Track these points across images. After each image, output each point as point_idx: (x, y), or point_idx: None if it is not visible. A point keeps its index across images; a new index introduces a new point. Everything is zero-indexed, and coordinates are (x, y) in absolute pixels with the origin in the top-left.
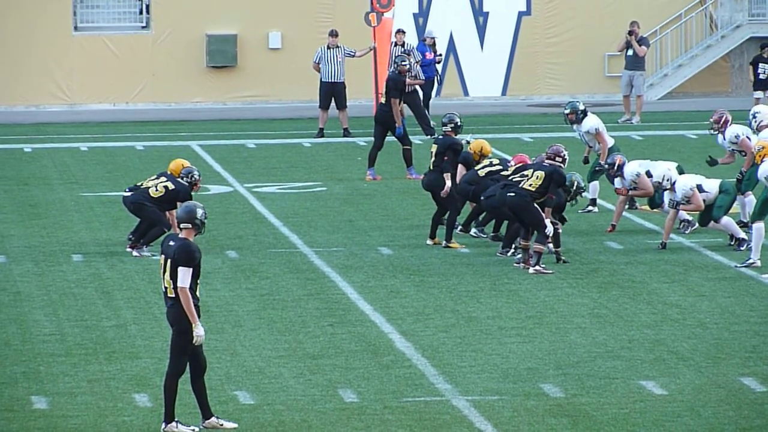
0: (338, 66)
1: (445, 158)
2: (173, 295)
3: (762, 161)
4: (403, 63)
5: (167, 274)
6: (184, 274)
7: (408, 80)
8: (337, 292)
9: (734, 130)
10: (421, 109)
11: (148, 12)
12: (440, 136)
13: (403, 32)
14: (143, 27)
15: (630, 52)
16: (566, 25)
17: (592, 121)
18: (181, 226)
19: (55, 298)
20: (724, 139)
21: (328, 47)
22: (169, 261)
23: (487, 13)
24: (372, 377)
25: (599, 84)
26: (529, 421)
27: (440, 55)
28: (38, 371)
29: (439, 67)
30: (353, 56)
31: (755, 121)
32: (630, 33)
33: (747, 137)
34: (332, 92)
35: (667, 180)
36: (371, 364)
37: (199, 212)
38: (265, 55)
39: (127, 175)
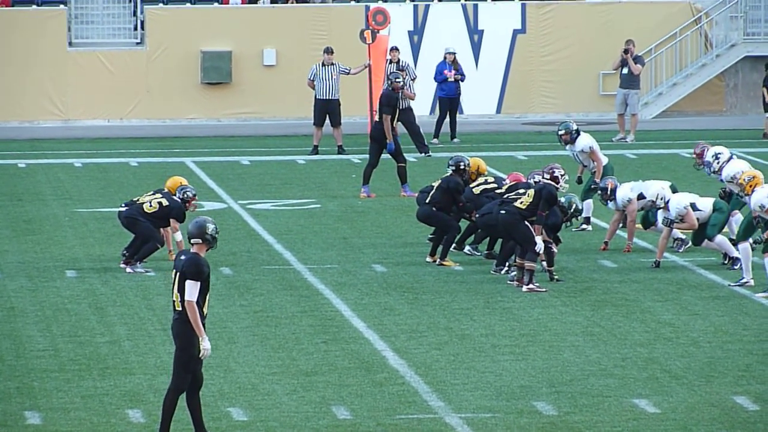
0: (333, 83)
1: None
2: (180, 309)
3: (753, 191)
4: (396, 80)
5: (176, 287)
6: (192, 288)
7: (405, 92)
8: (330, 310)
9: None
10: (416, 127)
11: (142, 28)
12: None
13: (398, 50)
14: (138, 43)
15: (625, 71)
16: (561, 43)
17: (585, 140)
18: (192, 241)
19: (49, 314)
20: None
21: (323, 64)
22: (178, 274)
23: (482, 30)
24: (365, 394)
25: (594, 102)
26: None
27: (459, 75)
28: (32, 387)
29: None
30: (348, 73)
31: (717, 162)
32: (625, 51)
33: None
34: (327, 109)
35: (661, 199)
36: (364, 381)
37: (210, 227)
38: (259, 72)
39: (121, 191)
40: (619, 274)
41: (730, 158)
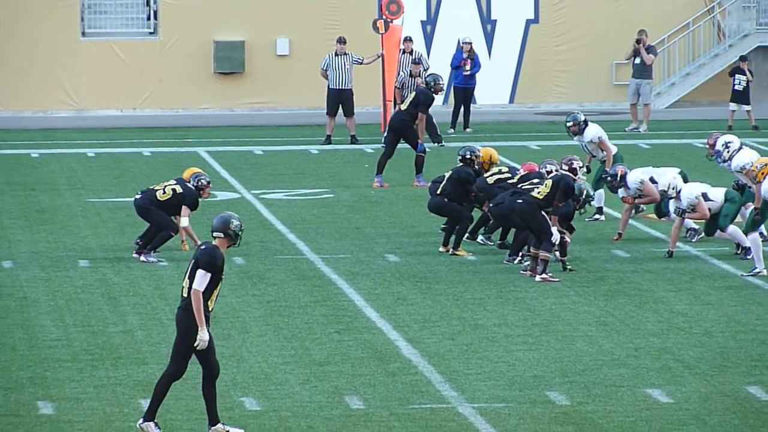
0: (346, 73)
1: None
2: (186, 296)
3: (765, 178)
4: (439, 82)
5: (188, 274)
6: (202, 278)
7: (419, 83)
8: (343, 299)
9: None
10: (430, 117)
11: (155, 18)
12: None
13: (411, 40)
14: (151, 33)
15: (637, 61)
16: (574, 33)
17: (594, 130)
18: (214, 234)
19: (62, 304)
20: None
21: (336, 54)
22: (193, 262)
23: (495, 20)
24: (378, 384)
25: (606, 92)
26: (534, 429)
27: (467, 69)
28: (44, 376)
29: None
30: (361, 63)
31: (727, 151)
32: (638, 41)
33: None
34: (340, 99)
35: (673, 188)
36: (377, 371)
37: (234, 223)
38: (272, 62)
39: (134, 180)
40: (632, 264)
41: (740, 148)
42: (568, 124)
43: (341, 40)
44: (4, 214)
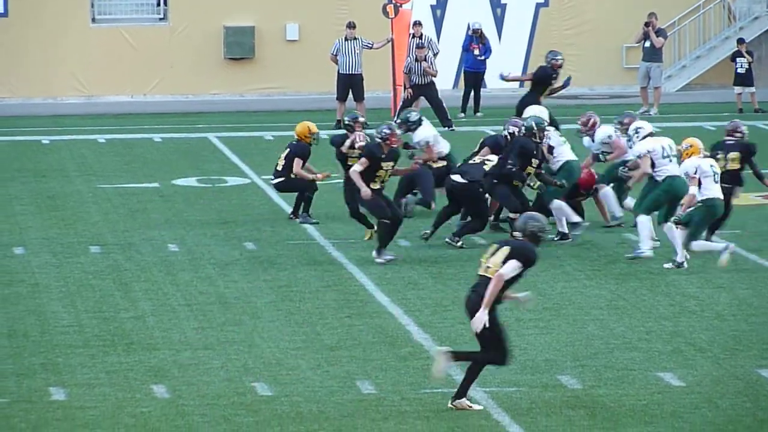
0: (356, 58)
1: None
2: (486, 275)
3: (688, 158)
4: (556, 58)
5: (495, 256)
6: (513, 267)
7: (427, 68)
8: (354, 284)
9: (605, 130)
10: (439, 101)
11: (165, 4)
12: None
13: (421, 24)
14: (161, 19)
15: (647, 44)
16: (584, 16)
17: (423, 132)
18: (514, 234)
19: (73, 290)
20: (593, 141)
21: (346, 39)
22: (504, 248)
23: (505, 4)
24: (390, 369)
25: (617, 75)
26: (546, 413)
27: (483, 55)
28: (56, 362)
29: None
30: (371, 48)
31: (637, 136)
32: (647, 24)
33: (619, 137)
34: (350, 84)
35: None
36: (389, 355)
37: (531, 225)
38: (282, 47)
39: (145, 166)
40: None
41: (650, 134)
42: (398, 122)
43: (351, 25)
44: (15, 201)
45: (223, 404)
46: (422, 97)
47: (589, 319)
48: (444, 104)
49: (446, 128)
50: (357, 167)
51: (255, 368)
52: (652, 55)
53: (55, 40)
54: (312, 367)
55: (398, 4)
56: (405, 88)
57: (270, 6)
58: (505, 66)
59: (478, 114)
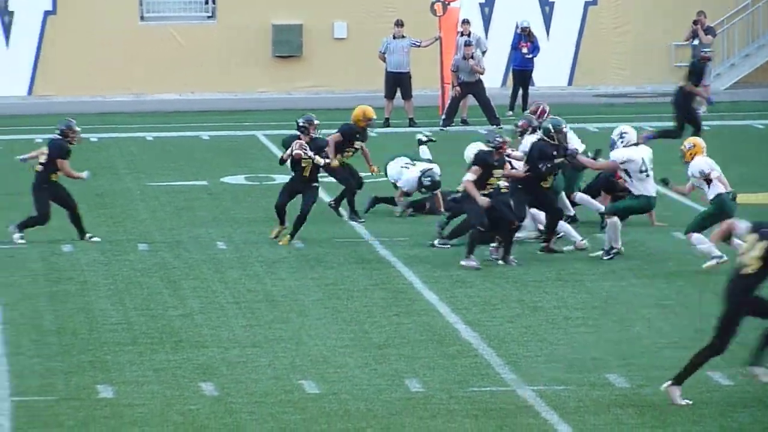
0: (404, 56)
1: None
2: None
3: (693, 159)
4: (705, 50)
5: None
6: None
7: (473, 66)
8: (402, 282)
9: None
10: (486, 99)
11: (214, 2)
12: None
13: (469, 22)
14: (209, 17)
15: (696, 42)
16: (632, 14)
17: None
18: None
19: (122, 287)
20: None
21: (394, 37)
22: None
23: (553, 2)
24: (437, 367)
25: (666, 74)
26: (594, 411)
27: (531, 54)
28: (105, 360)
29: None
30: (419, 46)
31: (621, 142)
32: (696, 22)
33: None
34: (398, 82)
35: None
36: (437, 353)
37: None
38: (330, 45)
39: (193, 165)
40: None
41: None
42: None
43: (399, 23)
44: None
45: (271, 402)
46: (470, 95)
47: (637, 318)
48: (491, 102)
49: (493, 126)
50: (470, 176)
51: (302, 366)
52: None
53: (104, 37)
54: (360, 365)
55: (447, 3)
56: (453, 86)
57: (318, 4)
58: (554, 64)
59: (526, 112)
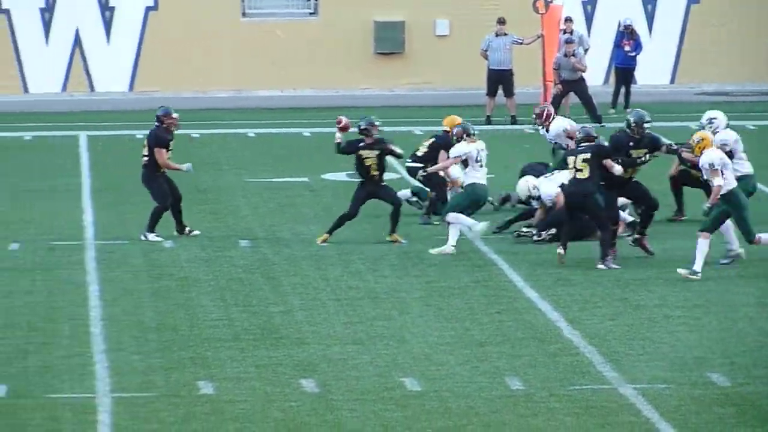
0: (506, 53)
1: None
2: None
3: (702, 152)
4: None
5: None
6: None
7: (575, 64)
8: (503, 280)
9: (560, 124)
10: (588, 96)
11: None
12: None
13: (572, 20)
14: (311, 13)
15: None
16: (735, 11)
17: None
18: None
19: (223, 284)
20: (548, 132)
21: (496, 35)
22: None
23: (656, 1)
24: (538, 365)
25: (767, 72)
26: (696, 410)
27: (633, 51)
28: (205, 356)
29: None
30: (521, 44)
31: (710, 127)
32: None
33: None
34: (499, 79)
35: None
36: (538, 351)
37: None
38: (432, 42)
39: (293, 161)
40: None
41: (726, 125)
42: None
43: (501, 21)
44: None
45: (372, 399)
46: (572, 93)
47: (739, 317)
48: (593, 100)
49: (596, 124)
50: (618, 168)
51: (404, 363)
52: None
53: (205, 33)
54: (461, 363)
55: (549, 0)
56: (555, 84)
57: (420, 1)
58: (657, 62)
59: (628, 110)
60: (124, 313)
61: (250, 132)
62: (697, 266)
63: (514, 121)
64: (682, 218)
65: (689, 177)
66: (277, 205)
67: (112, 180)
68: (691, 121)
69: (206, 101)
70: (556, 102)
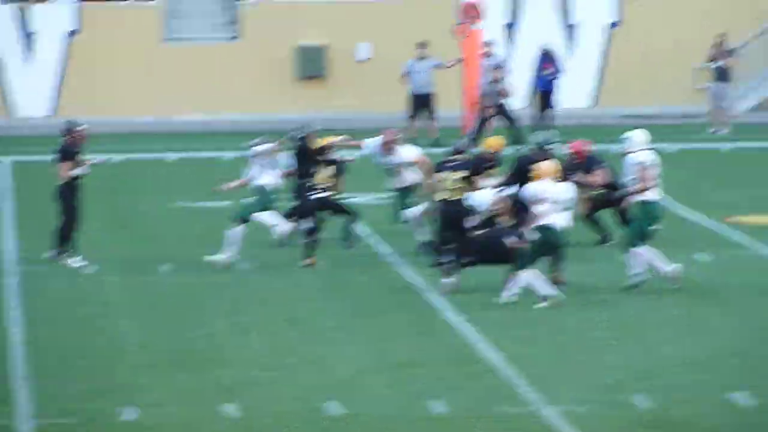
0: (427, 77)
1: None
2: None
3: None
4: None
5: None
6: None
7: (500, 90)
8: (424, 303)
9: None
10: (513, 119)
11: (236, 23)
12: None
13: (492, 44)
14: (233, 37)
15: (718, 64)
16: (656, 35)
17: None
18: None
19: (144, 309)
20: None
21: (417, 59)
22: None
23: (576, 24)
24: (461, 388)
25: (688, 95)
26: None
27: (552, 74)
28: (127, 382)
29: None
30: (442, 68)
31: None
32: (717, 45)
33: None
34: (421, 103)
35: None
36: (460, 374)
37: None
38: (353, 67)
39: (215, 185)
40: (713, 268)
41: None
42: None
43: (422, 44)
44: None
45: (295, 424)
46: (497, 116)
47: (661, 339)
48: (518, 122)
49: (519, 146)
50: None
51: (326, 387)
52: (723, 75)
53: (127, 58)
54: (383, 386)
55: (470, 24)
56: (483, 107)
57: (342, 25)
58: (578, 85)
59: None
60: (45, 338)
61: (172, 155)
62: (639, 277)
63: (436, 144)
64: (612, 242)
65: (597, 201)
66: (200, 230)
67: (35, 205)
68: (613, 143)
69: (128, 125)
70: (482, 125)
